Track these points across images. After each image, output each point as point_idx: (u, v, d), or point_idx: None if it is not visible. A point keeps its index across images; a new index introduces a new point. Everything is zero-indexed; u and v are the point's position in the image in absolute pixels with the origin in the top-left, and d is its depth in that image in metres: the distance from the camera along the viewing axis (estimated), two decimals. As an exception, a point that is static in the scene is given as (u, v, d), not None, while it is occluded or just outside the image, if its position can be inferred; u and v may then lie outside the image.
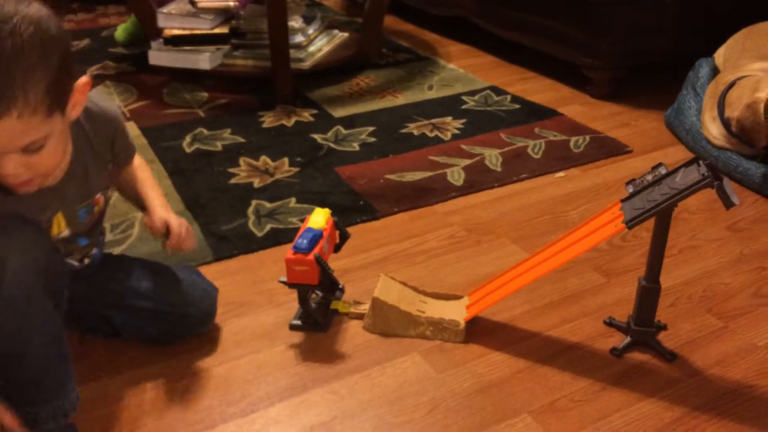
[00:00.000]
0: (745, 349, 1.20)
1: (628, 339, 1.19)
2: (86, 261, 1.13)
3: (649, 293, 1.16)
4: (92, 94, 1.02)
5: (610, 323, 1.25)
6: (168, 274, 1.21)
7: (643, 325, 1.18)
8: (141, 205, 1.19)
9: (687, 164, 1.08)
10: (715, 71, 1.99)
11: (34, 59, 0.82)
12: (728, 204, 1.00)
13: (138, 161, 1.22)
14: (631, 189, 1.13)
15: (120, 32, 2.70)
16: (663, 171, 1.11)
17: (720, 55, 2.03)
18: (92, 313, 1.16)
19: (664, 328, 1.22)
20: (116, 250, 1.45)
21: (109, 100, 1.17)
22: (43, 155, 0.88)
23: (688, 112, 1.91)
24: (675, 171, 1.09)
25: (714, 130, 1.78)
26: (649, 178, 1.11)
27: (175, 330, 1.19)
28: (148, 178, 1.22)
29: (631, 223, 1.07)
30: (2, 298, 0.86)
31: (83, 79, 0.92)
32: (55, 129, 0.88)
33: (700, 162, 1.06)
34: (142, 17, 2.38)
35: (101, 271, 1.17)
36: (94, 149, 1.06)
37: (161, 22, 2.31)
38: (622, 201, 1.13)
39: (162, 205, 1.18)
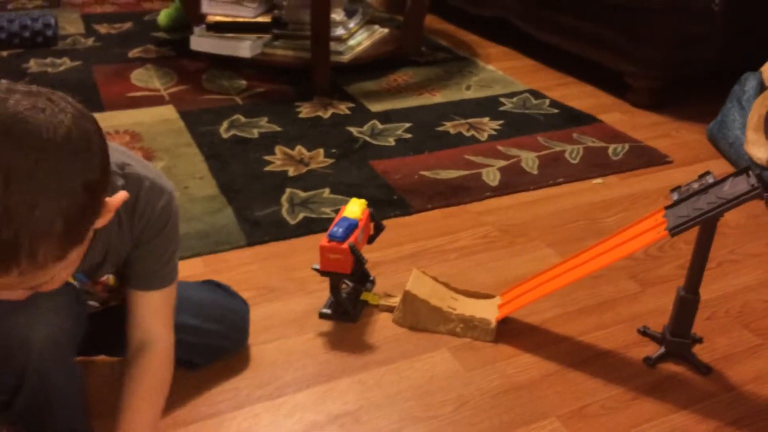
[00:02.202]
0: (783, 368, 1.17)
1: (662, 349, 1.17)
2: (111, 303, 1.01)
3: (687, 304, 1.13)
4: (155, 175, 0.87)
5: (645, 332, 1.23)
6: (194, 301, 1.07)
7: (679, 336, 1.16)
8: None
9: (736, 174, 1.06)
10: (761, 86, 1.95)
11: (48, 206, 0.63)
12: (777, 216, 0.98)
13: (163, 354, 0.94)
14: (676, 196, 1.11)
15: (162, 17, 2.73)
16: (710, 180, 1.08)
17: (766, 69, 1.99)
18: (111, 336, 0.99)
19: (699, 341, 1.19)
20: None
21: (169, 189, 0.91)
22: (52, 283, 0.73)
23: (732, 125, 1.87)
24: (723, 180, 1.07)
25: (760, 154, 1.74)
26: (696, 186, 1.09)
27: (207, 356, 1.10)
28: (150, 394, 0.92)
29: (674, 231, 1.05)
30: (30, 373, 0.82)
31: (119, 197, 0.75)
32: (69, 262, 0.71)
33: (750, 172, 1.04)
34: (187, 2, 2.40)
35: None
36: (119, 227, 0.87)
37: (205, 7, 2.33)
38: (666, 208, 1.11)
39: None
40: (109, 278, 0.95)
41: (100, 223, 0.75)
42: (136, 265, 0.92)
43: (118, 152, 0.86)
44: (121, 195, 0.76)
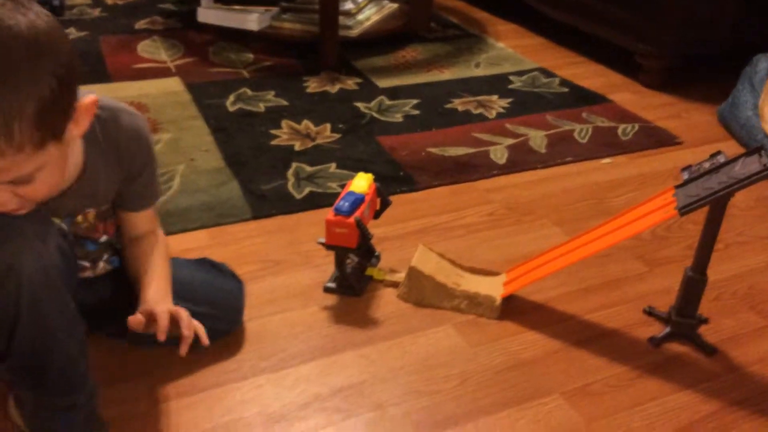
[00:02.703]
0: (788, 350, 1.17)
1: (668, 329, 1.17)
2: (101, 266, 1.03)
3: (694, 284, 1.13)
4: (126, 106, 0.93)
5: (650, 312, 1.23)
6: (186, 282, 1.07)
7: (684, 316, 1.15)
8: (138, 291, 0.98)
9: (748, 154, 1.05)
10: (774, 67, 1.93)
11: (20, 88, 0.68)
12: (789, 197, 0.97)
13: (158, 237, 1.05)
14: (686, 175, 1.10)
15: (170, -12, 2.70)
16: (722, 159, 1.07)
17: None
18: (105, 313, 1.02)
19: (705, 321, 1.19)
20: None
21: (143, 118, 0.97)
22: (36, 185, 0.77)
23: (743, 106, 1.85)
24: (734, 160, 1.05)
25: None
26: (707, 165, 1.08)
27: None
28: (158, 258, 1.02)
29: (684, 210, 1.04)
30: (23, 305, 0.81)
31: (89, 99, 0.79)
32: (50, 159, 0.76)
33: (762, 152, 1.02)
34: (194, -26, 2.38)
35: (120, 276, 1.05)
36: (105, 164, 0.92)
37: (213, -21, 2.31)
38: (676, 187, 1.10)
39: (159, 292, 0.97)
40: (88, 213, 0.97)
41: (77, 130, 0.79)
42: (129, 195, 0.99)
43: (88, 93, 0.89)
44: (91, 97, 0.79)
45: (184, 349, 0.92)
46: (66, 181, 0.89)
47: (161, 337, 0.91)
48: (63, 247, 0.87)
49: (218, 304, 1.09)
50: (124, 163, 0.94)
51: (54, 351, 0.86)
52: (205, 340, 0.95)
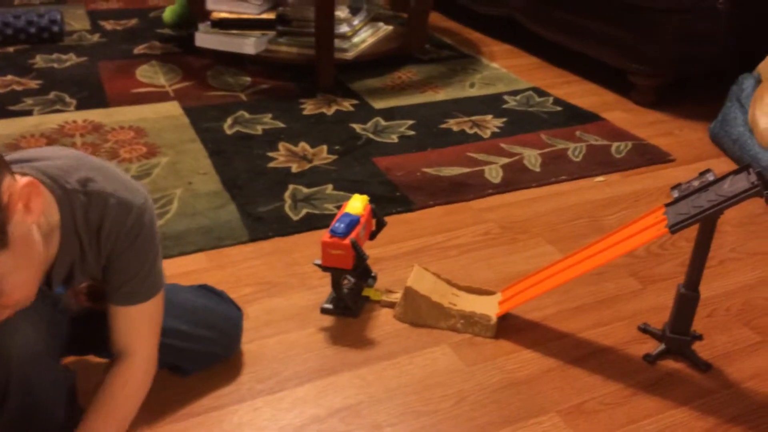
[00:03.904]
0: (783, 366, 1.18)
1: (662, 346, 1.18)
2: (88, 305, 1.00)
3: (687, 301, 1.14)
4: (126, 188, 0.84)
5: (645, 329, 1.23)
6: (186, 306, 1.06)
7: (678, 333, 1.16)
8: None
9: (736, 172, 1.06)
10: (758, 84, 1.95)
11: None
12: (777, 214, 0.98)
13: (136, 370, 0.92)
14: (676, 194, 1.11)
15: (168, 14, 2.73)
16: (711, 177, 1.09)
17: (765, 68, 1.98)
18: (99, 335, 0.96)
19: (699, 338, 1.20)
20: (154, 224, 1.47)
21: (139, 200, 0.86)
22: (9, 293, 0.70)
23: (734, 122, 1.87)
24: (723, 178, 1.07)
25: (764, 123, 1.74)
26: (696, 183, 1.10)
27: (197, 362, 1.09)
28: (115, 402, 0.89)
29: (674, 228, 1.05)
30: (13, 385, 0.81)
31: (22, 182, 0.70)
32: (3, 267, 0.68)
33: (750, 170, 1.04)
34: (192, -1, 2.41)
35: None
36: (83, 256, 0.84)
37: (210, 4, 2.34)
38: (666, 205, 1.12)
39: None
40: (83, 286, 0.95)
41: (30, 216, 0.71)
42: (111, 281, 0.88)
43: (84, 168, 0.83)
44: (24, 181, 0.70)
45: None
46: (50, 259, 0.81)
47: None
48: (55, 319, 0.87)
49: (216, 327, 1.09)
50: (104, 248, 0.85)
51: (42, 419, 0.87)
52: None
